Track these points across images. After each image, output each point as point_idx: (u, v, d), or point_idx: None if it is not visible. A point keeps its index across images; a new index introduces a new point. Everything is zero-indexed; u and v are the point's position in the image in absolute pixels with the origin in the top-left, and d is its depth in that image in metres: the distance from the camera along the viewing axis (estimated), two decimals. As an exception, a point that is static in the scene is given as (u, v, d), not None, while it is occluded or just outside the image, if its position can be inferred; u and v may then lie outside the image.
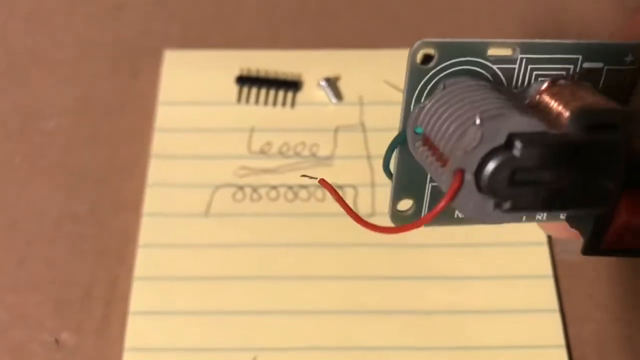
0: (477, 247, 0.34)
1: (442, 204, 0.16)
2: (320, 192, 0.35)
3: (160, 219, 0.34)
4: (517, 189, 0.15)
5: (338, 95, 0.38)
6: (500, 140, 0.15)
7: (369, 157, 0.36)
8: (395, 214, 0.19)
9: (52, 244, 0.34)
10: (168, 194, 0.35)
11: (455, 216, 0.20)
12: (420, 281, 0.33)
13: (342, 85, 0.38)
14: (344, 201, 0.18)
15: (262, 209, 0.35)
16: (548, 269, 0.33)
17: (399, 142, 0.19)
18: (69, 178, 0.36)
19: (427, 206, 0.19)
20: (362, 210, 0.35)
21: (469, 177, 0.15)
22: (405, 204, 0.19)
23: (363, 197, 0.35)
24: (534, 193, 0.15)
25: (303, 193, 0.35)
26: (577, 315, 0.33)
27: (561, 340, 0.32)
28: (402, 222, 0.19)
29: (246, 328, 0.32)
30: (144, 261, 0.33)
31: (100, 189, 0.36)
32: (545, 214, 0.20)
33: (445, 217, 0.20)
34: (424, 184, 0.19)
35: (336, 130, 0.37)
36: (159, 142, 0.36)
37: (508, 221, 0.16)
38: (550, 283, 0.33)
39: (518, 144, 0.15)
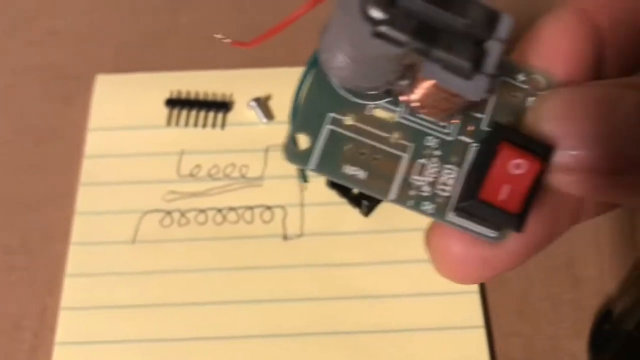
0: (399, 265, 0.33)
1: None
2: (249, 214, 0.35)
3: (88, 248, 0.34)
4: (394, 10, 0.16)
5: (268, 114, 0.37)
6: None
7: (299, 177, 0.36)
8: (289, 149, 0.18)
9: (-19, 276, 0.34)
10: (96, 222, 0.35)
11: (344, 171, 0.18)
12: (345, 301, 0.33)
13: (272, 105, 0.38)
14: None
15: (189, 234, 0.35)
16: (474, 285, 0.33)
17: (312, 65, 0.18)
18: (-1, 209, 0.36)
19: (320, 149, 0.18)
20: (291, 230, 0.35)
21: None
22: (302, 140, 0.19)
23: (292, 217, 0.35)
24: (408, 19, 0.16)
25: (232, 216, 0.35)
26: (505, 331, 0.32)
27: (485, 357, 0.31)
28: (294, 159, 0.18)
29: (174, 356, 0.32)
30: (71, 291, 0.33)
31: (31, 219, 0.36)
32: (431, 206, 0.19)
33: (332, 167, 0.18)
34: (322, 125, 0.18)
35: (266, 150, 0.37)
36: (88, 169, 0.36)
37: (380, 53, 0.16)
38: (476, 299, 0.33)
39: None
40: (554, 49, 0.19)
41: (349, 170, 0.18)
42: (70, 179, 0.37)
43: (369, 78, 0.17)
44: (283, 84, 0.38)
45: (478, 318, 0.32)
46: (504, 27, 0.17)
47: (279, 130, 0.37)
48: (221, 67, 0.40)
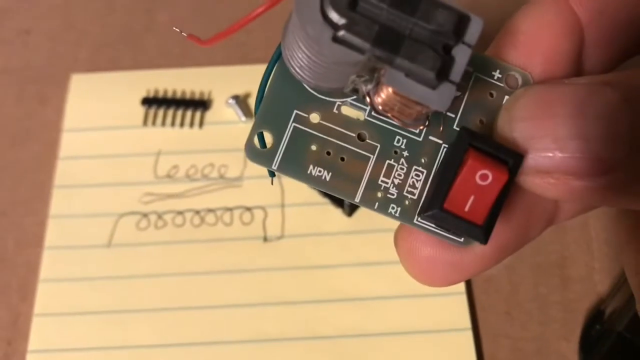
0: (383, 266, 0.32)
1: None
2: (228, 216, 0.34)
3: (62, 252, 0.33)
4: (355, 15, 0.15)
5: (247, 112, 0.36)
6: None
7: (279, 177, 0.35)
8: (251, 147, 0.17)
9: (-49, 283, 0.33)
10: (70, 226, 0.34)
11: (309, 172, 0.17)
12: (327, 304, 0.32)
13: (252, 102, 0.37)
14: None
15: (167, 237, 0.34)
16: (461, 286, 0.32)
17: (276, 58, 0.17)
18: (-30, 213, 0.35)
19: (284, 148, 0.17)
20: (272, 231, 0.34)
21: None
22: (266, 138, 0.17)
23: (273, 218, 0.34)
24: (369, 25, 0.15)
25: (210, 217, 0.34)
26: (493, 332, 0.32)
27: (473, 359, 0.30)
28: (256, 158, 0.17)
29: (150, 362, 0.31)
30: (44, 297, 0.32)
31: (4, 223, 0.35)
32: (397, 210, 0.18)
33: (296, 167, 0.17)
34: (286, 122, 0.17)
35: (246, 149, 0.36)
36: (63, 171, 0.35)
37: (339, 58, 0.15)
38: (463, 300, 0.32)
39: None
40: (532, 43, 0.18)
41: (314, 171, 0.17)
42: (44, 182, 0.35)
43: (330, 80, 0.17)
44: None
45: (465, 320, 0.31)
46: (473, 31, 0.16)
47: (259, 129, 0.36)
48: (199, 64, 0.39)
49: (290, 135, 0.17)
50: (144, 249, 0.33)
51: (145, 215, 0.34)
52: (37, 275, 0.33)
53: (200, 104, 0.37)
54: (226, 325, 0.32)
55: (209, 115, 0.37)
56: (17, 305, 0.33)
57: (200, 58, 0.39)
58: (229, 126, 0.36)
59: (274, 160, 0.17)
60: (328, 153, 0.17)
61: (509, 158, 0.16)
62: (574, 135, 0.16)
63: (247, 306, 0.32)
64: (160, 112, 0.37)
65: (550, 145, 0.16)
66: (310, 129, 0.17)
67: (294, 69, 0.16)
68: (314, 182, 0.17)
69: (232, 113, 0.37)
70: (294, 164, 0.17)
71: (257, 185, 0.35)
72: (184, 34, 0.18)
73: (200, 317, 0.32)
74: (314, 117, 0.17)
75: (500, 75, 0.18)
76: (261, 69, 0.38)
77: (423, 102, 0.16)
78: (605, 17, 0.18)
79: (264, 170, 0.35)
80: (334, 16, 0.15)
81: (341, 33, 0.15)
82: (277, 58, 0.17)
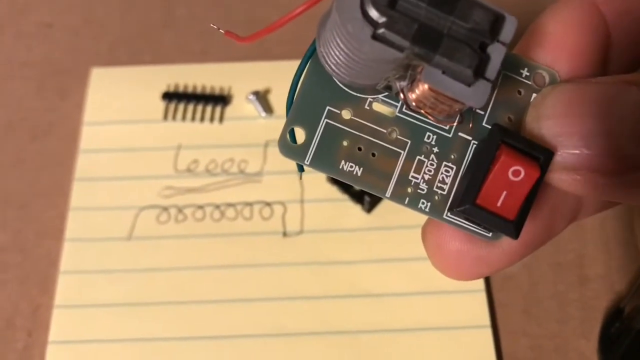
0: (405, 262, 0.33)
1: None
2: (248, 210, 0.34)
3: (83, 244, 0.33)
4: (395, 13, 0.15)
5: (268, 108, 0.37)
6: None
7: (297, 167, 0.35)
8: (284, 143, 0.17)
9: (-28, 274, 0.34)
10: (91, 218, 0.34)
11: (340, 167, 0.18)
12: (346, 300, 0.32)
13: (272, 98, 0.37)
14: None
15: (187, 230, 0.34)
16: (480, 283, 0.32)
17: (310, 55, 0.17)
18: (-9, 204, 0.35)
19: (316, 143, 0.17)
20: (291, 226, 0.34)
21: None
22: (298, 134, 0.18)
23: (292, 213, 0.34)
24: (408, 23, 0.16)
25: (230, 212, 0.34)
26: (511, 330, 0.32)
27: (492, 356, 0.31)
28: (289, 153, 0.17)
29: (170, 355, 0.31)
30: (65, 288, 0.33)
31: (24, 216, 0.35)
32: (428, 205, 0.18)
33: (328, 162, 0.17)
34: (319, 118, 0.17)
35: (266, 145, 0.36)
36: (83, 164, 0.35)
37: (378, 55, 0.16)
38: (482, 297, 0.32)
39: None
40: (559, 42, 0.18)
41: (345, 166, 0.18)
42: (64, 175, 0.36)
43: (366, 77, 0.17)
44: (283, 77, 0.37)
45: (484, 317, 0.31)
46: (508, 30, 0.16)
47: (279, 125, 0.36)
48: (218, 60, 0.39)
49: (322, 131, 0.17)
50: (164, 242, 0.33)
51: (165, 208, 0.34)
52: (57, 267, 0.33)
53: (221, 99, 0.37)
54: (245, 319, 0.32)
55: (229, 110, 0.37)
56: (37, 297, 0.33)
57: (219, 54, 0.39)
58: (249, 122, 0.37)
59: (306, 155, 0.17)
60: (359, 149, 0.18)
61: (540, 154, 0.17)
62: (600, 133, 0.16)
63: (266, 300, 0.32)
64: (181, 107, 0.37)
65: (577, 143, 0.16)
66: (342, 125, 0.17)
67: (329, 66, 0.17)
68: (345, 177, 0.18)
69: (252, 109, 0.37)
70: (326, 159, 0.17)
71: (277, 180, 0.35)
72: (222, 31, 0.18)
73: (219, 310, 0.32)
74: (346, 113, 0.18)
75: (528, 74, 0.18)
76: (281, 65, 0.38)
77: (459, 98, 0.16)
78: (632, 17, 0.19)
79: (283, 166, 0.36)
80: (374, 14, 0.15)
81: (381, 31, 0.15)
82: (310, 55, 0.17)
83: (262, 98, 0.37)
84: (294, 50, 0.39)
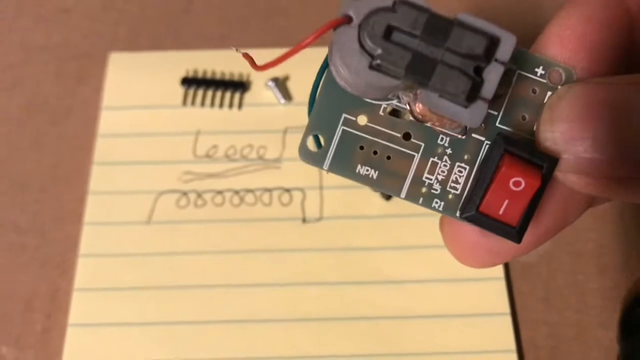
0: (425, 250, 0.33)
1: (322, 29, 0.17)
2: (267, 196, 0.34)
3: (102, 228, 0.33)
4: (389, 45, 0.17)
5: (287, 95, 0.37)
6: (388, 2, 0.17)
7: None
8: (304, 149, 0.18)
9: (-8, 256, 0.34)
10: (110, 202, 0.34)
11: (357, 171, 0.19)
12: (366, 286, 0.32)
13: (291, 85, 0.37)
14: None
15: (206, 215, 0.34)
16: (499, 271, 0.32)
17: (325, 66, 0.18)
18: (10, 188, 0.35)
19: (334, 149, 0.18)
20: (310, 213, 0.34)
21: (354, 23, 0.17)
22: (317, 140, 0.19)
23: (311, 200, 0.34)
24: (402, 54, 0.17)
25: (249, 197, 0.34)
26: (531, 318, 0.32)
27: (512, 344, 0.31)
28: (308, 159, 0.18)
29: (190, 339, 0.31)
30: (84, 272, 0.33)
31: (43, 199, 0.35)
32: (441, 204, 0.19)
33: (345, 167, 0.18)
34: (336, 125, 0.18)
35: (285, 131, 0.36)
36: (102, 148, 0.35)
37: (377, 85, 0.17)
38: (502, 285, 0.32)
39: (400, 5, 0.17)
40: (578, 38, 0.18)
41: (362, 170, 0.18)
42: (83, 159, 0.36)
43: (373, 94, 0.18)
44: (301, 64, 0.37)
45: (504, 304, 0.31)
46: (506, 49, 0.17)
47: (297, 111, 0.37)
48: (237, 46, 0.39)
49: (339, 137, 0.18)
50: (183, 227, 0.33)
51: (184, 193, 0.34)
52: (76, 250, 0.33)
53: (240, 86, 0.37)
54: (264, 304, 0.32)
55: (248, 96, 0.37)
56: (55, 280, 0.33)
57: (238, 41, 0.39)
58: (268, 108, 0.37)
59: (324, 161, 0.18)
60: (375, 152, 0.18)
61: (544, 162, 0.17)
62: (613, 139, 0.16)
63: (286, 285, 0.32)
64: (200, 93, 0.37)
65: (589, 148, 0.16)
66: (358, 131, 0.18)
67: (340, 81, 0.18)
68: (362, 180, 0.19)
69: (271, 95, 0.37)
70: (343, 164, 0.18)
71: (296, 167, 0.35)
72: (240, 52, 0.19)
73: (238, 294, 0.32)
74: (361, 120, 0.18)
75: (543, 72, 0.18)
76: (300, 52, 0.38)
77: (456, 119, 0.17)
78: None
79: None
80: (370, 46, 0.17)
81: (377, 62, 0.17)
82: (325, 66, 0.18)
83: (280, 85, 0.37)
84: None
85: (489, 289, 0.32)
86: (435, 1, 0.40)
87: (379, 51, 0.17)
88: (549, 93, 0.18)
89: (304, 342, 0.31)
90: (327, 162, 0.18)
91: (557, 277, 0.33)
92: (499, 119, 0.18)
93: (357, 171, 0.18)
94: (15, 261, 0.33)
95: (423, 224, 0.33)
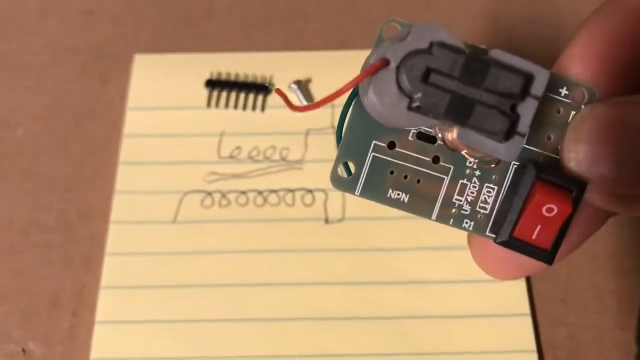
0: (445, 251, 0.33)
1: (361, 76, 0.17)
2: (290, 197, 0.35)
3: (128, 227, 0.34)
4: (428, 87, 0.17)
5: (309, 98, 0.37)
6: (425, 45, 0.17)
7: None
8: (336, 177, 0.19)
9: (19, 253, 0.34)
10: (136, 201, 0.35)
11: (389, 195, 0.19)
12: (388, 286, 0.32)
13: (313, 88, 0.38)
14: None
15: (231, 215, 0.34)
16: (520, 273, 0.33)
17: (354, 94, 0.19)
18: (37, 186, 0.36)
19: (365, 175, 0.19)
20: (333, 214, 0.34)
21: (392, 66, 0.17)
22: (349, 167, 0.19)
23: (334, 201, 0.35)
24: (441, 96, 0.17)
25: (273, 198, 0.35)
26: (550, 319, 0.32)
27: (532, 345, 0.31)
28: (341, 186, 0.19)
29: (214, 337, 0.32)
30: (111, 270, 0.33)
31: (69, 198, 0.35)
32: (472, 224, 0.19)
33: (377, 192, 0.19)
34: (366, 152, 0.19)
35: (307, 133, 0.36)
36: (127, 148, 0.36)
37: (415, 125, 0.17)
38: (522, 286, 0.32)
39: (437, 48, 0.17)
40: (600, 57, 0.18)
41: (393, 194, 0.19)
42: (108, 159, 0.36)
43: (406, 127, 0.19)
44: (324, 67, 0.38)
45: (524, 306, 0.32)
46: (540, 84, 0.17)
47: (320, 114, 0.37)
48: (259, 50, 0.39)
49: (370, 164, 0.19)
50: (208, 227, 0.34)
51: (209, 194, 0.35)
52: (102, 248, 0.34)
53: (263, 88, 0.37)
54: (287, 303, 0.32)
55: (271, 99, 0.37)
56: (82, 277, 0.33)
57: (259, 44, 0.40)
58: (291, 111, 0.37)
59: (356, 187, 0.19)
60: (405, 177, 0.19)
61: (574, 187, 0.18)
62: (636, 159, 0.17)
63: (309, 285, 0.33)
64: (224, 95, 0.37)
65: (613, 168, 0.17)
66: (388, 156, 0.19)
67: (376, 117, 0.18)
68: (393, 204, 0.19)
69: (295, 98, 0.37)
70: (374, 189, 0.19)
71: (318, 168, 0.36)
72: (275, 89, 0.19)
73: (261, 293, 0.32)
74: (392, 146, 0.19)
75: (567, 92, 0.19)
76: (320, 56, 0.39)
77: (493, 155, 0.17)
78: None
79: (324, 155, 0.36)
80: (409, 89, 0.17)
81: (416, 105, 0.17)
82: (354, 96, 0.19)
83: (303, 87, 0.37)
84: (330, 42, 0.40)
85: (509, 290, 0.32)
86: (458, 18, 0.41)
87: (419, 94, 0.17)
88: (573, 113, 0.19)
89: (326, 340, 0.31)
90: (360, 188, 0.19)
91: (575, 279, 0.33)
92: (524, 139, 0.19)
93: (388, 196, 0.19)
94: (42, 259, 0.34)
95: (444, 226, 0.33)
